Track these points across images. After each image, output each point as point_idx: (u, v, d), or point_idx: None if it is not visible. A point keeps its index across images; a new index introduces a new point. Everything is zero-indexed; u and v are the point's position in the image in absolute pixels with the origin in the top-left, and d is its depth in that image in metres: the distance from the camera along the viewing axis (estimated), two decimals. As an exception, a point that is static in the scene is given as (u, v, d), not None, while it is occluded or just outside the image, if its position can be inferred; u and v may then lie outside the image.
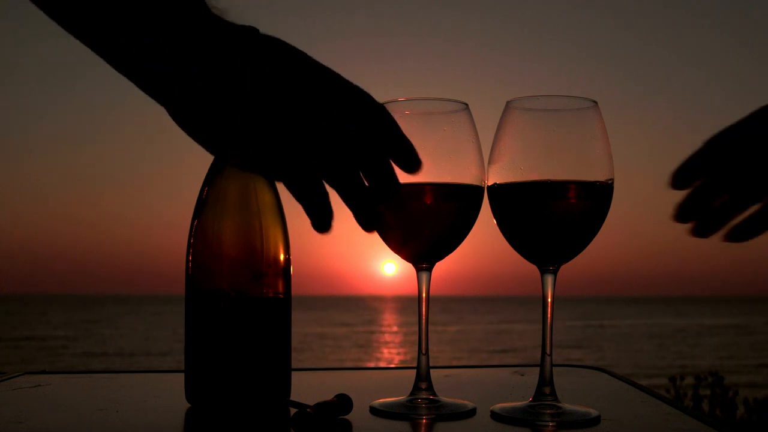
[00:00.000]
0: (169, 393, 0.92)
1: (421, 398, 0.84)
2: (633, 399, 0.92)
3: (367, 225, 0.72)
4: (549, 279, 0.83)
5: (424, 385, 0.85)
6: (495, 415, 0.81)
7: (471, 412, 0.83)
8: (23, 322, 37.63)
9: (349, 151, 0.70)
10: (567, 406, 0.82)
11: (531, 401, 0.83)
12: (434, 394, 0.85)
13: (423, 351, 0.85)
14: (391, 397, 0.86)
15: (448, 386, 1.01)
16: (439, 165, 0.79)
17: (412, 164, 0.72)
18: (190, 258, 0.85)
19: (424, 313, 0.85)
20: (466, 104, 0.82)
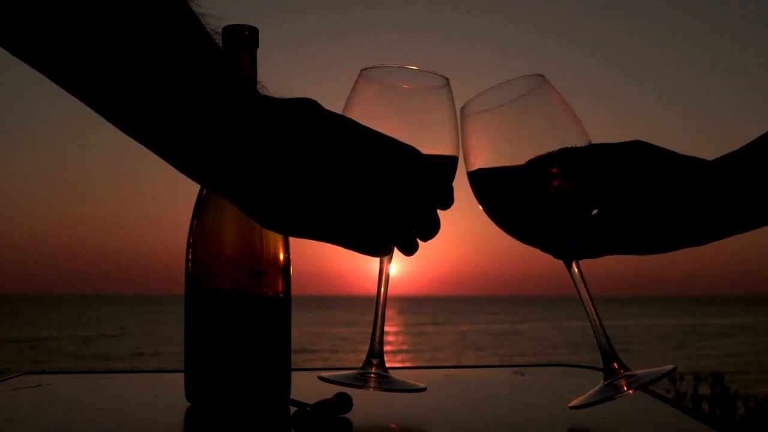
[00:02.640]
0: (169, 393, 0.92)
1: (372, 372, 0.82)
2: (633, 399, 0.92)
3: (408, 254, 0.75)
4: (574, 268, 0.81)
5: (375, 361, 0.83)
6: (577, 407, 0.79)
7: (420, 390, 0.82)
8: (23, 322, 37.64)
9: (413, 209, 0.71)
10: (640, 371, 0.80)
11: (603, 383, 0.81)
12: (385, 369, 0.84)
13: (377, 340, 0.83)
14: (391, 398, 0.86)
15: (448, 386, 1.01)
16: (415, 139, 0.77)
17: (448, 207, 0.75)
18: (190, 257, 0.85)
19: (381, 299, 0.82)
20: (447, 79, 0.81)
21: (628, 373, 0.78)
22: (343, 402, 0.80)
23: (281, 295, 0.86)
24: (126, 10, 0.58)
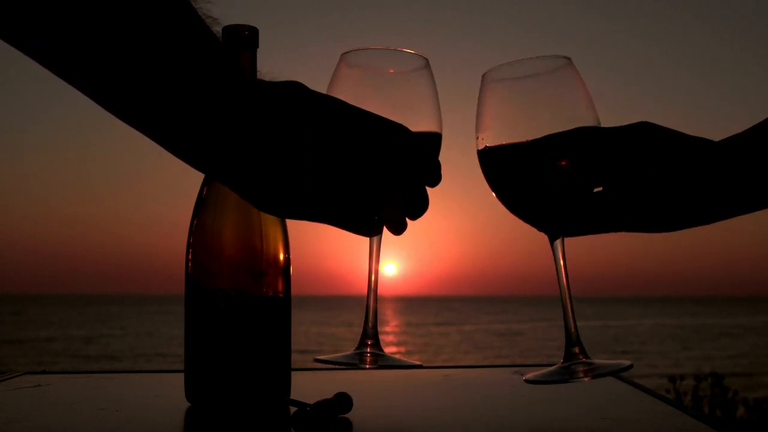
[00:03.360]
0: (169, 393, 0.92)
1: (367, 352, 0.82)
2: (633, 399, 0.92)
3: (397, 234, 0.75)
4: (557, 245, 0.81)
5: (370, 341, 0.83)
6: (530, 381, 0.79)
7: (416, 366, 0.82)
8: (23, 322, 37.64)
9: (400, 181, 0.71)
10: (598, 360, 0.80)
11: (561, 363, 0.81)
12: (380, 349, 0.83)
13: (371, 324, 0.83)
14: (391, 398, 0.86)
15: (448, 386, 1.01)
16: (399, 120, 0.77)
17: (436, 184, 0.76)
18: (190, 257, 0.85)
19: (373, 281, 0.82)
20: (427, 60, 0.81)
21: (587, 360, 0.79)
22: (343, 402, 0.80)
23: (281, 295, 0.86)
24: (123, 10, 0.59)
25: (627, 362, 0.78)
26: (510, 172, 0.79)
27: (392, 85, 0.79)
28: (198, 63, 0.62)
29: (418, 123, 0.78)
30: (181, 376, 0.87)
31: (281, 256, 0.86)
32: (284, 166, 0.65)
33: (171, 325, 33.75)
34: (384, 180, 0.69)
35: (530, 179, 0.78)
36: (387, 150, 0.69)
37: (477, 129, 0.81)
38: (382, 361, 0.81)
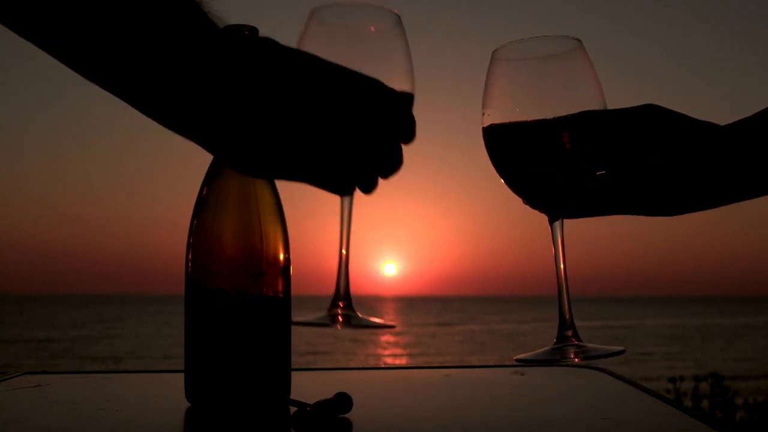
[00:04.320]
0: (169, 393, 0.92)
1: (339, 313, 0.81)
2: (633, 399, 0.92)
3: (368, 192, 0.74)
4: (557, 227, 0.80)
5: (341, 303, 0.81)
6: (521, 360, 0.79)
7: (389, 327, 0.82)
8: (23, 322, 37.64)
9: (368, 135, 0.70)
10: (591, 345, 0.80)
11: (554, 344, 0.81)
12: (353, 310, 0.82)
13: (342, 289, 0.81)
14: (391, 398, 0.86)
15: (448, 386, 1.01)
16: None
17: (411, 140, 0.74)
18: (190, 257, 0.85)
19: (344, 243, 0.82)
20: (398, 15, 0.79)
21: (579, 343, 0.79)
22: (343, 402, 0.80)
23: (281, 295, 0.86)
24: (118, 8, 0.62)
25: (619, 348, 0.78)
26: (513, 151, 0.79)
27: (364, 41, 0.77)
28: (172, 16, 0.64)
29: (390, 80, 0.75)
30: (181, 376, 0.87)
31: (281, 256, 0.86)
32: (258, 123, 0.65)
33: (171, 325, 33.74)
34: (359, 136, 0.68)
35: (533, 159, 0.78)
36: (362, 104, 0.68)
37: (483, 106, 0.80)
38: (355, 322, 0.80)
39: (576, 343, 0.78)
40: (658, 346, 25.86)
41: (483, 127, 0.80)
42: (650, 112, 0.76)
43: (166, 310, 51.65)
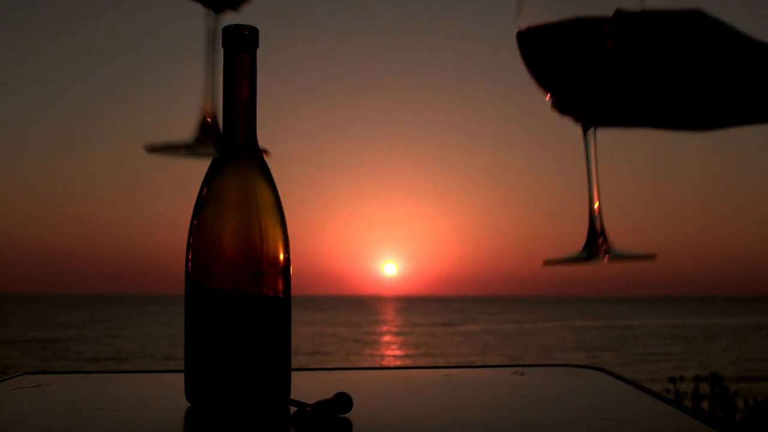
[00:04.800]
0: (169, 393, 0.92)
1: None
2: (633, 399, 0.92)
3: None
4: (590, 136, 0.79)
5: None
6: (549, 262, 0.78)
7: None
8: (23, 322, 37.65)
9: None
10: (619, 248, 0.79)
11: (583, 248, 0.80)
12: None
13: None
14: (391, 398, 0.86)
15: (448, 386, 1.01)
16: None
17: None
18: (190, 257, 0.85)
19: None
20: None
21: (609, 246, 0.78)
22: (343, 402, 0.80)
23: (281, 295, 0.86)
24: None
25: (650, 252, 0.76)
26: (548, 54, 0.78)
27: None
28: None
29: None
30: (181, 376, 0.87)
31: (281, 256, 0.86)
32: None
33: (171, 325, 33.75)
34: None
35: (568, 62, 0.76)
36: None
37: (518, 9, 0.79)
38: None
39: (605, 244, 0.77)
40: (658, 346, 25.86)
41: (517, 31, 0.79)
42: (696, 18, 0.74)
43: (166, 310, 51.68)
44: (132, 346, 24.66)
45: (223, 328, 0.83)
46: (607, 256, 0.76)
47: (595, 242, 0.78)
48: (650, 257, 0.77)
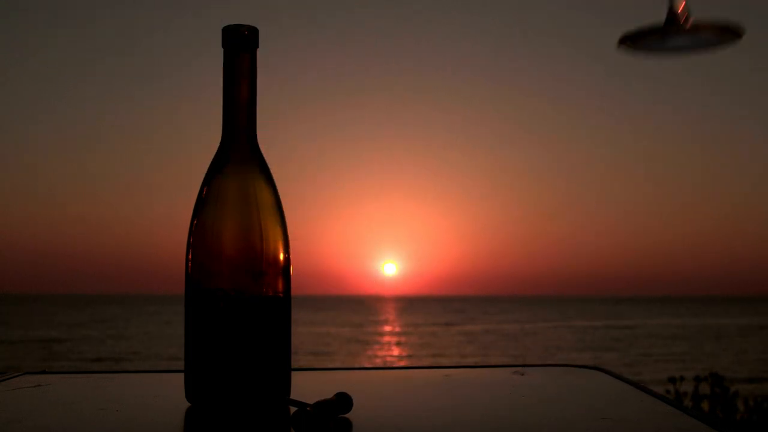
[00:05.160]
0: (169, 393, 0.92)
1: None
2: (633, 399, 0.92)
3: None
4: None
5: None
6: (625, 39, 0.75)
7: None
8: (23, 323, 37.63)
9: None
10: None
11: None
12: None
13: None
14: (391, 398, 0.86)
15: (448, 386, 1.01)
16: None
17: None
18: (190, 257, 0.85)
19: None
20: None
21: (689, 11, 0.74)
22: (343, 402, 0.80)
23: (281, 295, 0.86)
24: None
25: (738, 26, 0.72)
26: None
27: None
28: None
29: None
30: (181, 376, 0.87)
31: (281, 256, 0.86)
32: None
33: (171, 325, 33.73)
34: None
35: None
36: None
37: None
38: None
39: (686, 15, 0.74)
40: (659, 347, 25.83)
41: None
42: None
43: (166, 310, 51.67)
44: (132, 346, 24.64)
45: (223, 328, 0.83)
46: (691, 19, 0.72)
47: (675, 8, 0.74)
48: (738, 33, 0.73)
